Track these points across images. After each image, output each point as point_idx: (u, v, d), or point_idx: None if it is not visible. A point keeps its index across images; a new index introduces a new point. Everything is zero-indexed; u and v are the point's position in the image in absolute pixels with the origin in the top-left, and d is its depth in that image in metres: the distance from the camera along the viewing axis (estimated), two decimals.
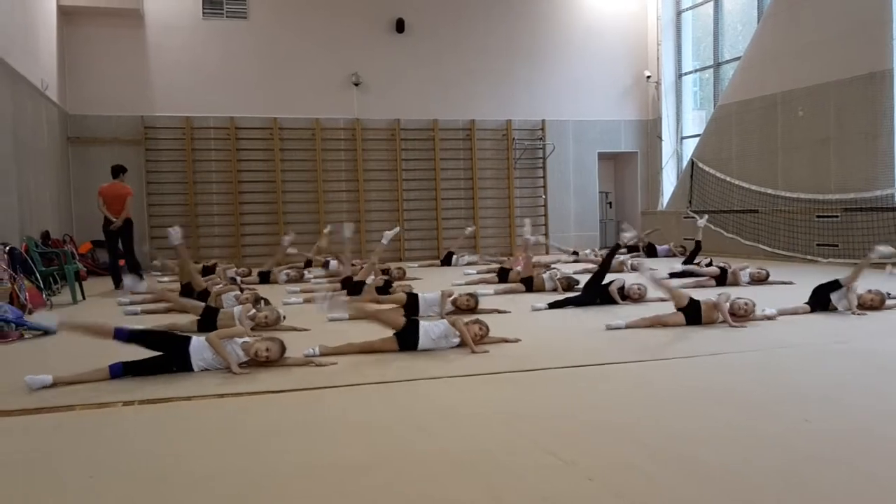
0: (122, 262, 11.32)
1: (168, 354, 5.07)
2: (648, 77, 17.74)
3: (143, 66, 14.88)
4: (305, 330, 6.74)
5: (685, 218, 15.68)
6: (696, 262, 11.27)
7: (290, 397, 4.48)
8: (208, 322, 6.65)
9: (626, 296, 8.16)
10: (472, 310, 7.40)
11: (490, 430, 3.71)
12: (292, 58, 15.59)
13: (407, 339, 5.69)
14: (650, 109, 17.95)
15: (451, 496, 2.88)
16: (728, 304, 6.66)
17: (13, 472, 3.27)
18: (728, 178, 14.80)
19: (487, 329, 5.84)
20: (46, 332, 6.90)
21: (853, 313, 7.05)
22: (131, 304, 8.78)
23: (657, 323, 6.61)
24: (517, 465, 3.18)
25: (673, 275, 10.45)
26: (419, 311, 7.39)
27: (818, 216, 12.71)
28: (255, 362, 5.13)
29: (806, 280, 9.03)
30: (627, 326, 6.53)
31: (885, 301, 7.29)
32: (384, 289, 8.84)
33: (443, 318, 6.49)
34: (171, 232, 8.60)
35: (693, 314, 6.61)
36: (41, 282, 9.23)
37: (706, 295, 7.16)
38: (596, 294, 8.12)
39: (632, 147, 18.07)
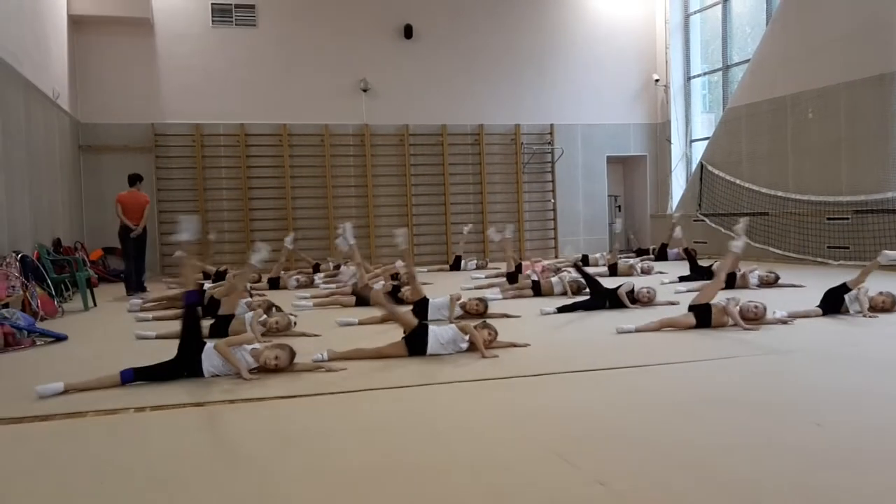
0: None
1: (179, 360, 5.09)
2: (657, 80, 17.71)
3: (153, 74, 14.98)
4: (316, 335, 6.76)
5: (694, 221, 15.64)
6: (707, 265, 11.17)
7: (299, 403, 4.50)
8: (220, 328, 6.67)
9: (635, 299, 8.13)
10: (482, 314, 7.41)
11: (500, 435, 3.71)
12: (301, 64, 15.65)
13: (416, 344, 5.69)
14: (659, 113, 17.92)
15: (459, 498, 2.88)
16: (738, 308, 6.63)
17: (25, 478, 3.29)
18: (738, 181, 14.75)
19: (496, 333, 5.84)
20: (58, 339, 6.95)
21: (865, 316, 7.01)
22: (142, 310, 8.84)
23: (667, 325, 6.59)
24: (528, 470, 3.18)
25: (682, 278, 10.43)
26: (428, 316, 7.39)
27: (829, 218, 12.64)
28: (265, 368, 5.15)
29: (816, 283, 8.99)
30: (637, 330, 6.52)
31: None
32: (393, 293, 8.86)
33: (452, 322, 6.49)
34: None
35: (703, 317, 6.59)
36: (53, 289, 9.29)
37: (715, 298, 7.12)
38: (605, 298, 8.10)
39: (641, 151, 18.04)
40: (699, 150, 17.05)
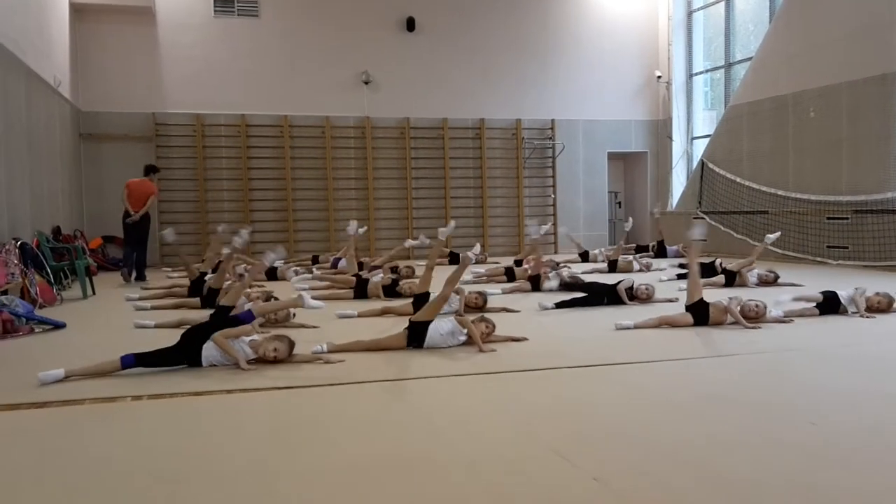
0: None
1: (179, 348, 5.10)
2: (659, 77, 17.70)
3: (154, 63, 14.96)
4: (314, 327, 6.77)
5: (695, 219, 15.63)
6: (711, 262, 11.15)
7: (297, 394, 4.51)
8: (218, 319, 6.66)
9: (634, 296, 8.15)
10: (481, 308, 7.42)
11: (496, 429, 3.72)
12: (303, 56, 15.63)
13: (415, 335, 5.71)
14: (660, 109, 17.91)
15: (457, 495, 2.89)
16: (739, 307, 6.64)
17: (23, 465, 3.30)
18: (738, 179, 14.75)
19: (494, 327, 5.86)
20: (56, 327, 6.96)
21: (862, 316, 7.02)
22: (140, 299, 8.85)
23: (665, 323, 6.61)
24: (525, 466, 3.18)
25: (681, 276, 10.43)
26: None
27: (828, 218, 12.65)
28: (264, 359, 5.16)
29: (815, 282, 9.00)
30: (636, 327, 6.53)
31: (892, 304, 7.25)
32: (392, 287, 8.87)
33: (461, 315, 6.50)
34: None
35: (701, 315, 6.60)
36: (52, 277, 9.30)
37: (714, 296, 7.14)
38: (603, 294, 8.11)
39: (642, 147, 18.03)
40: (700, 147, 17.04)
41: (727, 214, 14.93)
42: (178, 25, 15.03)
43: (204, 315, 6.83)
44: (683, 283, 9.58)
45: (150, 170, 12.04)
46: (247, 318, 5.39)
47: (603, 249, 14.52)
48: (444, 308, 7.38)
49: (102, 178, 14.55)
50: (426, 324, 5.75)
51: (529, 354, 5.51)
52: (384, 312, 7.52)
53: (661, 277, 10.49)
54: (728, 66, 16.43)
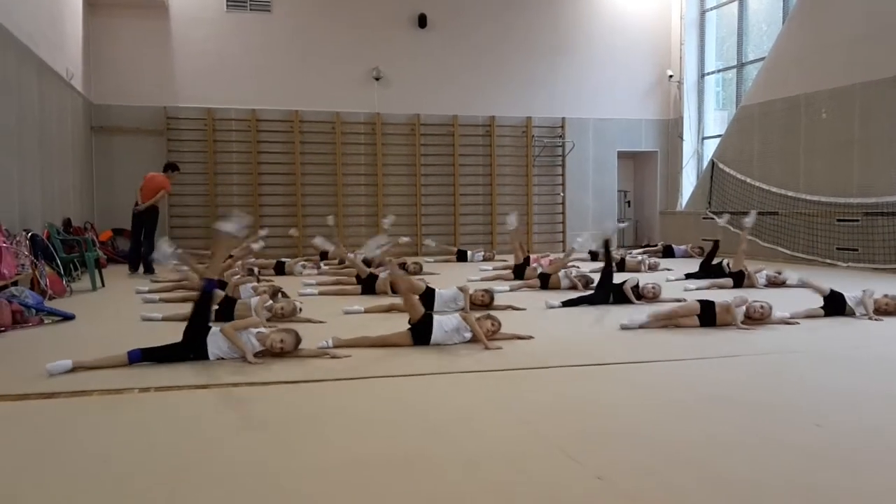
0: None
1: (185, 342, 5.14)
2: (671, 76, 17.64)
3: (166, 57, 15.02)
4: (321, 322, 6.79)
5: (704, 219, 15.60)
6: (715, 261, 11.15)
7: (303, 388, 4.53)
8: (226, 312, 6.72)
9: (640, 295, 8.13)
10: (487, 305, 7.41)
11: (500, 427, 3.73)
12: (314, 51, 15.66)
13: (421, 333, 5.72)
14: (671, 109, 17.85)
15: (460, 492, 2.91)
16: (744, 308, 6.63)
17: (29, 455, 3.33)
18: (748, 180, 14.69)
19: (500, 325, 5.86)
20: (66, 318, 7.02)
21: (869, 318, 6.99)
22: (150, 291, 8.90)
23: (671, 323, 6.59)
24: (528, 464, 3.18)
25: (689, 276, 10.41)
26: (434, 308, 7.40)
27: (839, 220, 12.58)
28: (270, 353, 5.19)
29: (824, 284, 8.94)
30: (641, 326, 6.52)
31: None
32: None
33: (467, 312, 6.50)
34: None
35: (707, 315, 6.59)
36: (62, 268, 9.36)
37: (722, 297, 7.12)
38: (610, 292, 8.10)
39: (652, 146, 17.99)
40: (711, 147, 16.98)
41: (737, 215, 14.85)
42: (190, 20, 15.08)
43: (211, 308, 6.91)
44: (691, 283, 9.61)
45: (169, 167, 12.33)
46: (210, 285, 5.33)
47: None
48: (450, 305, 7.43)
49: (113, 171, 14.64)
50: (428, 320, 5.75)
51: (534, 352, 5.51)
52: (391, 309, 7.54)
53: (668, 277, 10.47)
54: (740, 66, 16.36)
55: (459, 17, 16.43)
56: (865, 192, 12.14)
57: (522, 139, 16.89)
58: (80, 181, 13.47)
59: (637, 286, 8.16)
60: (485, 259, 13.83)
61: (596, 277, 9.25)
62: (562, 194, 17.23)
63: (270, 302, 6.89)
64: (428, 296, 7.54)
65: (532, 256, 11.62)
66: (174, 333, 5.25)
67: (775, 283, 9.57)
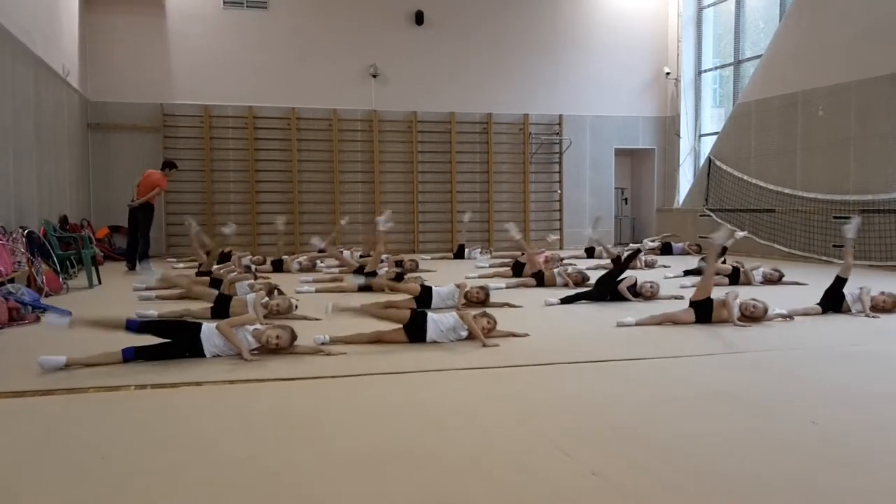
0: None
1: (180, 340, 5.13)
2: (668, 74, 17.63)
3: (163, 54, 14.98)
4: (317, 319, 6.78)
5: (701, 216, 15.61)
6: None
7: (299, 385, 4.53)
8: (221, 309, 6.71)
9: (637, 293, 8.13)
10: (483, 302, 7.41)
11: (497, 423, 3.73)
12: (311, 48, 15.63)
13: (416, 331, 5.72)
14: (668, 106, 17.85)
15: (456, 488, 2.91)
16: (737, 303, 6.63)
17: (26, 452, 3.33)
18: (745, 177, 14.70)
19: (495, 322, 5.86)
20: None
21: (866, 315, 7.00)
22: (146, 289, 8.88)
23: (668, 320, 6.60)
24: (525, 460, 3.19)
25: (687, 272, 10.42)
26: (432, 305, 7.39)
27: (835, 217, 12.59)
28: (266, 349, 5.18)
29: (820, 281, 8.95)
30: (638, 324, 6.52)
31: None
32: (396, 280, 8.88)
33: (460, 308, 6.51)
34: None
35: (704, 312, 6.59)
36: (58, 266, 9.34)
37: (716, 293, 7.12)
38: (607, 290, 8.10)
39: (649, 144, 17.99)
40: (708, 144, 16.98)
41: (734, 212, 14.89)
42: (187, 16, 15.04)
43: (206, 307, 6.90)
44: (688, 281, 9.60)
45: (167, 164, 12.41)
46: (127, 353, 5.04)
47: (610, 246, 14.49)
48: (447, 302, 7.43)
49: (110, 168, 14.61)
50: (422, 318, 5.75)
51: (531, 350, 5.51)
52: (387, 306, 7.52)
53: (666, 275, 10.48)
54: (737, 63, 16.36)
55: (456, 13, 16.41)
56: (862, 190, 12.16)
57: (519, 136, 16.88)
58: (77, 178, 13.44)
59: (635, 284, 8.17)
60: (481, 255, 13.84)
61: (592, 275, 9.28)
62: (559, 192, 17.22)
63: (266, 299, 6.88)
64: (425, 293, 7.54)
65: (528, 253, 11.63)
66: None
67: (771, 280, 9.59)
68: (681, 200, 17.46)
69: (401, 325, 5.79)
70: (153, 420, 3.82)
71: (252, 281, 8.22)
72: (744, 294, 6.97)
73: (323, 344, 5.48)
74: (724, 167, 15.34)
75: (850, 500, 2.81)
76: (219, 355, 5.14)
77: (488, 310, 6.30)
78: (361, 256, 11.91)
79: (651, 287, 8.16)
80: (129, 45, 14.74)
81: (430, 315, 5.82)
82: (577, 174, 17.36)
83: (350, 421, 3.80)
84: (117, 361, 4.92)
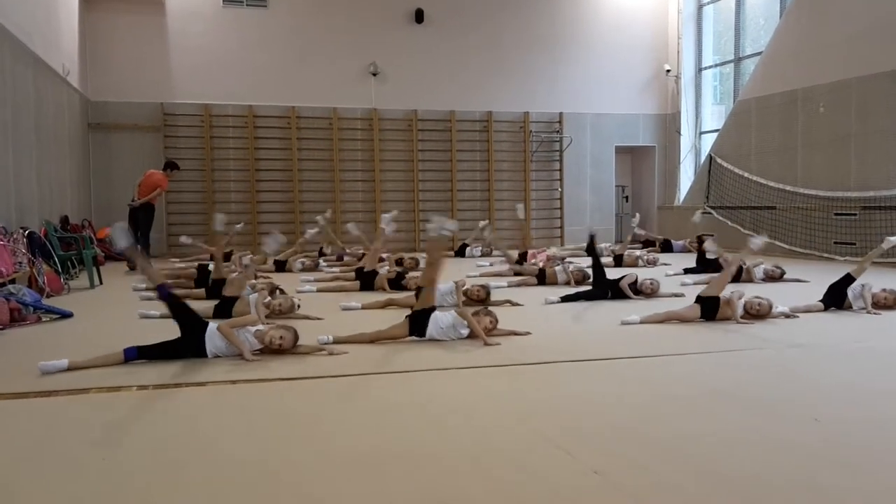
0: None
1: (183, 340, 5.13)
2: (668, 71, 17.62)
3: (163, 53, 14.98)
4: (319, 319, 6.79)
5: (702, 213, 15.58)
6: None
7: (301, 385, 4.53)
8: (224, 309, 6.71)
9: (638, 290, 8.13)
10: (483, 301, 7.41)
11: (498, 422, 3.73)
12: (311, 47, 15.62)
13: (418, 322, 5.73)
14: (669, 103, 17.84)
15: (457, 486, 2.91)
16: (742, 302, 6.63)
17: (27, 454, 3.33)
18: (746, 174, 14.69)
19: (497, 320, 5.86)
20: (63, 316, 7.01)
21: (868, 312, 7.00)
22: (147, 289, 8.86)
23: (672, 318, 6.59)
24: (526, 459, 3.19)
25: (687, 270, 10.41)
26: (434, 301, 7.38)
27: (836, 214, 12.59)
28: (269, 350, 5.18)
29: (821, 278, 8.95)
30: (642, 322, 6.51)
31: None
32: (397, 279, 8.89)
33: (459, 308, 6.50)
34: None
35: (709, 309, 6.59)
36: (59, 266, 9.35)
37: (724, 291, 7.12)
38: (608, 288, 8.10)
39: (649, 141, 17.97)
40: (708, 141, 16.97)
41: (735, 210, 14.88)
42: (187, 15, 15.04)
43: (208, 305, 6.90)
44: (688, 279, 9.60)
45: (168, 165, 12.53)
46: (161, 291, 5.29)
47: (608, 244, 14.51)
48: (442, 302, 7.40)
49: (111, 167, 14.61)
50: (428, 312, 5.77)
51: (532, 348, 5.51)
52: (388, 305, 7.54)
53: (667, 272, 10.48)
54: (738, 60, 16.34)
55: (456, 12, 16.39)
56: (863, 187, 12.15)
57: (520, 134, 16.88)
58: (78, 178, 13.45)
59: (635, 282, 8.16)
60: (483, 255, 13.84)
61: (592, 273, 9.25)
62: (559, 189, 17.22)
63: (269, 299, 6.89)
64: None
65: (529, 252, 11.63)
66: (172, 330, 5.24)
67: (773, 277, 9.59)
68: (681, 198, 17.45)
69: (404, 318, 5.79)
70: (154, 419, 3.82)
71: (254, 281, 8.22)
72: (746, 291, 6.97)
73: (326, 344, 5.48)
74: (724, 164, 15.33)
75: (851, 499, 2.81)
76: (220, 356, 5.14)
77: (490, 308, 6.29)
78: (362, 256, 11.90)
79: (651, 284, 8.16)
80: (129, 45, 14.73)
81: (434, 312, 5.82)
82: (577, 172, 17.36)
83: (350, 420, 3.80)
84: (119, 362, 4.92)
